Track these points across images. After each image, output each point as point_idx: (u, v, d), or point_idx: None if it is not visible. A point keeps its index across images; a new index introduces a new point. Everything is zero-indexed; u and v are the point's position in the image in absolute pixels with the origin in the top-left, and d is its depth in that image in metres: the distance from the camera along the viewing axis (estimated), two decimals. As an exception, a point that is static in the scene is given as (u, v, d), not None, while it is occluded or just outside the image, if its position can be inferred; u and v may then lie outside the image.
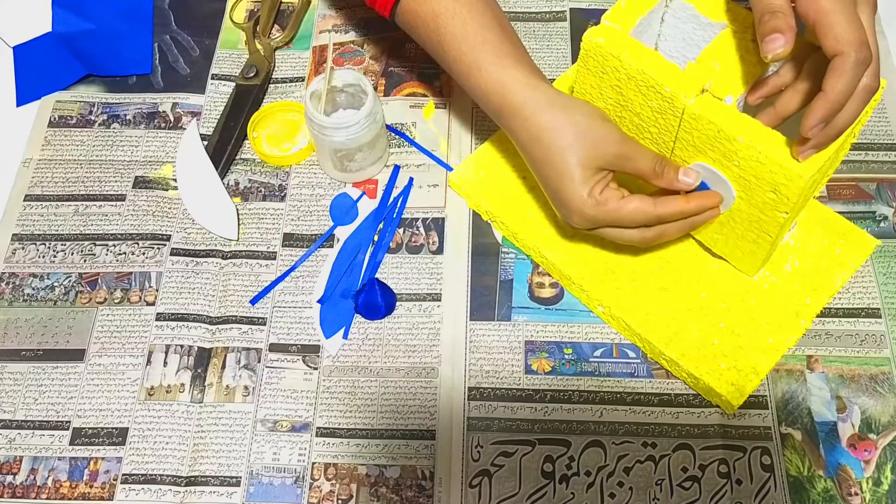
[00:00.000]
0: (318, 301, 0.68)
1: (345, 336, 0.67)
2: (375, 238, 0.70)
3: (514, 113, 0.59)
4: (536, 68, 0.61)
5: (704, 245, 0.66)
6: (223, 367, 0.66)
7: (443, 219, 0.72)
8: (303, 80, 0.79)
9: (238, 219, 0.71)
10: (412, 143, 0.75)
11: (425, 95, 0.78)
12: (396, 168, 0.73)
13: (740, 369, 0.62)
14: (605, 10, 0.82)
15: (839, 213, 0.68)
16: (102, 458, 0.63)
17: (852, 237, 0.67)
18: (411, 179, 0.73)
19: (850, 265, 0.66)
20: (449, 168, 0.74)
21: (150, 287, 0.69)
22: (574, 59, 0.80)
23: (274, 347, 0.66)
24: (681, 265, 0.66)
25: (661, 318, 0.64)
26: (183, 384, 0.65)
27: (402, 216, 0.72)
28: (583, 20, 0.82)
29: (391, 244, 0.70)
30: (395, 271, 0.69)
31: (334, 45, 0.81)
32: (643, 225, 0.59)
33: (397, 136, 0.76)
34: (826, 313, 0.66)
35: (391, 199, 0.72)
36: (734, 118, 0.54)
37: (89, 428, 0.64)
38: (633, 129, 0.61)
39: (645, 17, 0.59)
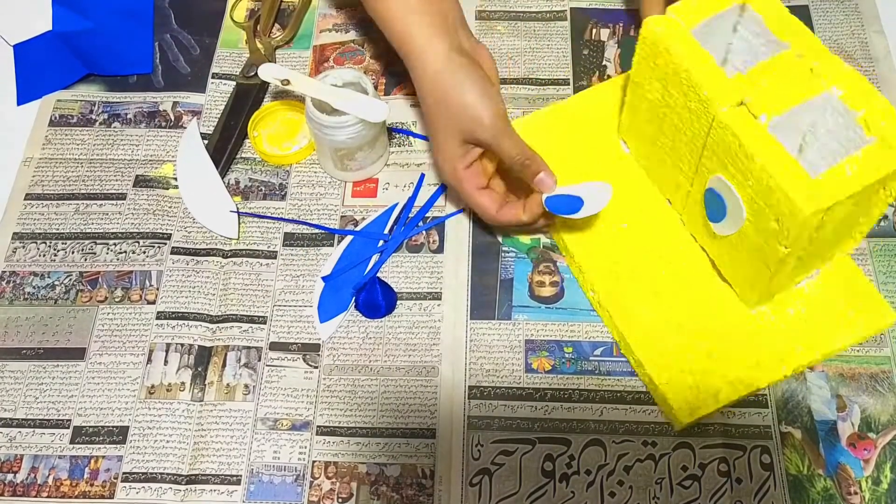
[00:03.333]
0: (324, 278, 0.68)
1: (337, 329, 0.67)
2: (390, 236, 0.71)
3: (412, 65, 0.63)
4: (451, 21, 0.63)
5: (716, 265, 0.65)
6: (223, 365, 0.66)
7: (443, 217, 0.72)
8: (303, 80, 0.79)
9: (238, 218, 0.71)
10: (422, 137, 0.76)
11: (426, 95, 0.78)
12: (422, 176, 0.74)
13: (701, 392, 0.61)
14: (605, 10, 0.83)
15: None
16: (103, 457, 0.63)
17: (872, 305, 0.64)
18: (442, 187, 0.73)
19: (859, 332, 0.63)
20: None
21: (150, 286, 0.69)
22: (574, 60, 0.80)
23: (274, 346, 0.67)
24: (685, 278, 0.65)
25: (645, 319, 0.64)
26: (183, 383, 0.65)
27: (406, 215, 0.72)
28: (583, 20, 0.82)
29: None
30: (395, 270, 0.69)
31: (335, 44, 0.82)
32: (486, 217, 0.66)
33: (398, 135, 0.76)
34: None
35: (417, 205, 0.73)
36: (758, 137, 0.53)
37: (90, 426, 0.64)
38: (671, 129, 0.61)
39: (712, 20, 0.58)
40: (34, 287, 0.69)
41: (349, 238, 0.70)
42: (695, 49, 0.57)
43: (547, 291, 0.68)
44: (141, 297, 0.69)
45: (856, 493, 0.60)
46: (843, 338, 0.63)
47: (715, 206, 0.60)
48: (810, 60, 0.56)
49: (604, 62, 0.80)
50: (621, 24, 0.82)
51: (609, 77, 0.79)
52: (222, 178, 0.73)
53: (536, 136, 0.71)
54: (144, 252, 0.71)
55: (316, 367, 0.66)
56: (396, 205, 0.72)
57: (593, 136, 0.72)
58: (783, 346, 0.63)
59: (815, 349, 0.63)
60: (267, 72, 0.69)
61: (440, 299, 0.68)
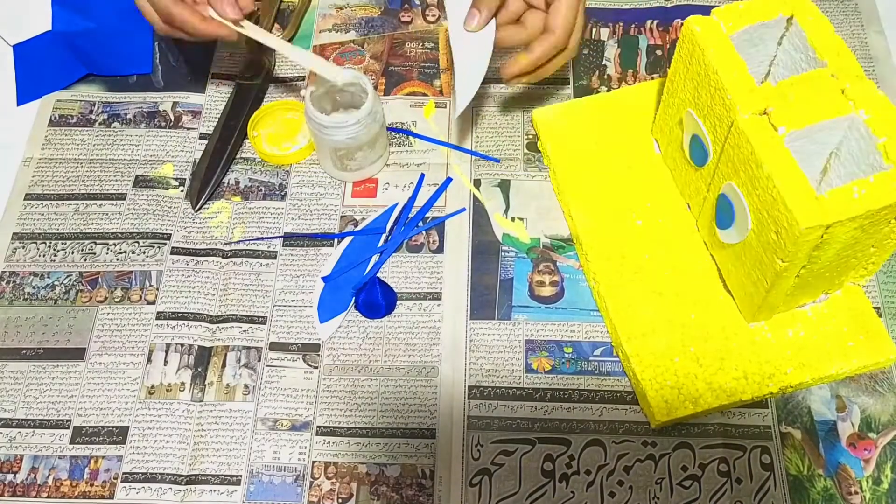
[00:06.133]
0: (324, 279, 0.68)
1: (337, 330, 0.67)
2: (389, 237, 0.71)
3: None
4: None
5: (722, 275, 0.65)
6: (223, 365, 0.66)
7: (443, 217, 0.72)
8: (303, 80, 0.79)
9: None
10: (422, 137, 0.76)
11: (425, 95, 0.78)
12: (422, 176, 0.74)
13: (681, 394, 0.61)
14: (605, 10, 0.83)
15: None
16: (103, 457, 0.63)
17: (874, 338, 0.63)
18: (449, 180, 0.73)
19: (855, 363, 0.62)
20: (471, 153, 0.74)
21: (150, 286, 0.69)
22: (574, 59, 0.80)
23: (274, 346, 0.67)
24: (689, 282, 0.66)
25: (640, 315, 0.64)
26: (183, 383, 0.65)
27: (407, 215, 0.72)
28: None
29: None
30: (395, 270, 0.69)
31: (335, 44, 0.82)
32: None
33: (398, 135, 0.76)
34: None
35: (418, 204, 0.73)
36: (771, 147, 0.53)
37: (90, 427, 0.64)
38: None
39: (755, 27, 0.58)
40: (34, 287, 0.69)
41: (349, 238, 0.70)
42: (729, 53, 0.57)
43: (547, 291, 0.68)
44: (141, 297, 0.69)
45: (856, 493, 0.60)
46: (837, 366, 0.62)
47: (724, 213, 0.60)
48: (844, 81, 0.55)
49: (604, 62, 0.80)
50: (621, 24, 0.82)
51: (609, 77, 0.79)
52: (222, 178, 0.73)
53: (573, 123, 0.73)
54: (144, 252, 0.71)
55: (316, 368, 0.66)
56: (396, 205, 0.72)
57: (629, 133, 0.73)
58: (774, 364, 0.62)
59: (807, 373, 0.62)
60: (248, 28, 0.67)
61: (440, 299, 0.68)
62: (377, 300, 0.67)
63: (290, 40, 0.82)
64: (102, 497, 0.61)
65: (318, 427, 0.64)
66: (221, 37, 0.66)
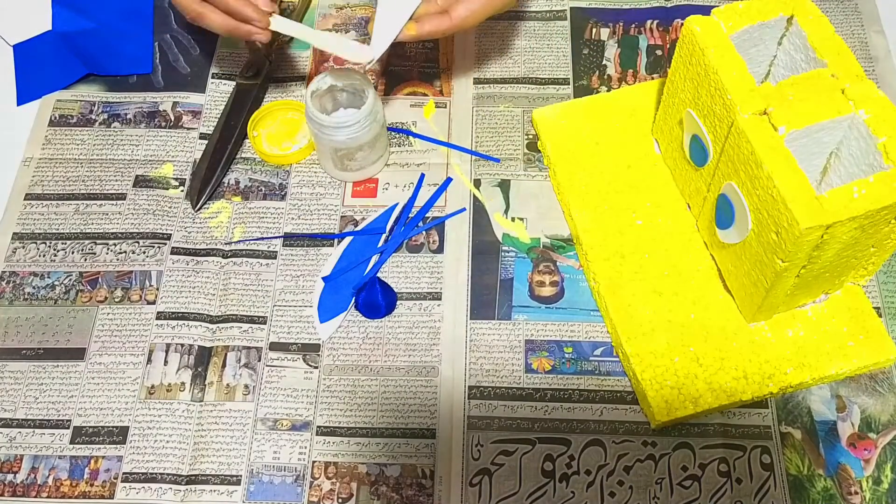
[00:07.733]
0: (324, 279, 0.68)
1: (337, 330, 0.67)
2: (389, 237, 0.71)
3: None
4: None
5: (722, 275, 0.65)
6: (223, 365, 0.66)
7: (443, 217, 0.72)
8: (303, 79, 0.79)
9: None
10: (422, 137, 0.76)
11: (425, 95, 0.78)
12: (422, 176, 0.74)
13: (681, 394, 0.61)
14: (605, 10, 0.83)
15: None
16: (103, 457, 0.63)
17: (874, 338, 0.63)
18: (449, 180, 0.74)
19: (855, 363, 0.62)
20: (471, 153, 0.75)
21: (150, 286, 0.69)
22: (574, 59, 0.80)
23: (274, 346, 0.67)
24: (689, 282, 0.65)
25: (640, 315, 0.64)
26: (183, 383, 0.65)
27: (407, 215, 0.72)
28: (583, 19, 0.82)
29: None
30: (395, 270, 0.69)
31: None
32: None
33: (398, 135, 0.76)
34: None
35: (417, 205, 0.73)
36: (771, 147, 0.53)
37: (90, 427, 0.64)
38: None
39: (755, 27, 0.58)
40: (34, 287, 0.69)
41: (349, 238, 0.71)
42: (729, 53, 0.57)
43: (547, 291, 0.68)
44: (141, 297, 0.69)
45: (856, 493, 0.60)
46: (837, 366, 0.62)
47: (724, 213, 0.60)
48: (844, 81, 0.55)
49: (604, 62, 0.80)
50: (621, 24, 0.82)
51: (609, 77, 0.79)
52: (222, 178, 0.73)
53: (573, 123, 0.73)
54: (144, 252, 0.71)
55: (316, 368, 0.66)
56: (396, 205, 0.72)
57: (629, 133, 0.73)
58: (774, 364, 0.62)
59: (807, 373, 0.62)
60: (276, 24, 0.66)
61: (440, 299, 0.68)
62: (377, 300, 0.67)
63: (290, 40, 0.82)
64: (102, 497, 0.61)
65: (318, 427, 0.64)
66: (251, 31, 0.64)
